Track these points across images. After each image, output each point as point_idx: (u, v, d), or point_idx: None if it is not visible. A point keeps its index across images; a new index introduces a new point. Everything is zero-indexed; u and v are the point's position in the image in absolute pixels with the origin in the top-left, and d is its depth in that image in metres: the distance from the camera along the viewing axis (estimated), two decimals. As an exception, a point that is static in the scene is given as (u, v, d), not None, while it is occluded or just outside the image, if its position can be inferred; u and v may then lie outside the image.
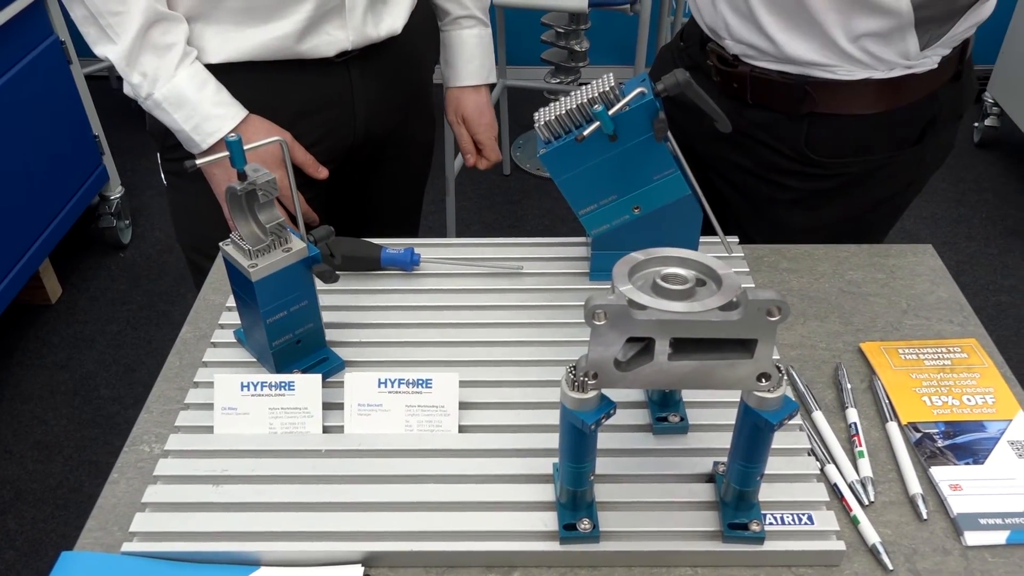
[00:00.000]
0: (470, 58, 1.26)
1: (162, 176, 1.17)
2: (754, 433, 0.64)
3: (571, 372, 0.62)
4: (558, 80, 2.64)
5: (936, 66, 1.01)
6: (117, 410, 1.95)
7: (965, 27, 1.00)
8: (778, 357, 0.85)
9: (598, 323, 0.59)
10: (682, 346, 0.61)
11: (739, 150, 1.11)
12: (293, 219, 1.00)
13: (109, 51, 0.98)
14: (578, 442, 0.65)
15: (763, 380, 0.62)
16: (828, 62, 0.99)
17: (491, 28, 1.29)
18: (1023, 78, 2.62)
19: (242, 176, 0.73)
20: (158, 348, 2.11)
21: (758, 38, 1.01)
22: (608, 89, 0.83)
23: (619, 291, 0.61)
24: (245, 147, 0.72)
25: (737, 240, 1.02)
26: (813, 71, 1.01)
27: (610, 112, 0.82)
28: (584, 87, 0.85)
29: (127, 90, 1.02)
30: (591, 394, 0.62)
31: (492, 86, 1.31)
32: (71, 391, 2.00)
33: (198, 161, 0.71)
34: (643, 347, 0.62)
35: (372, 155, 1.22)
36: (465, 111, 1.28)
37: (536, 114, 0.87)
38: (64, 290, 2.29)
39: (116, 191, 2.42)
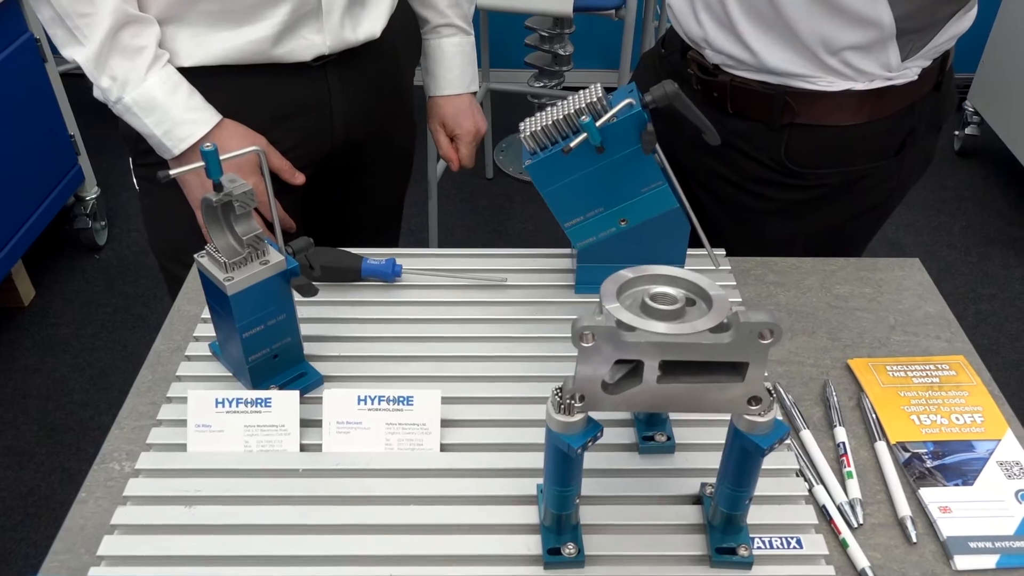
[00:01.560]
0: (449, 67, 1.24)
1: (134, 182, 1.14)
2: (744, 457, 0.62)
3: (557, 394, 0.60)
4: (542, 84, 2.63)
5: (916, 78, 1.00)
6: (90, 415, 1.91)
7: (946, 38, 0.99)
8: (766, 374, 0.83)
9: (586, 345, 0.57)
10: (672, 368, 0.59)
11: (719, 159, 1.10)
12: (270, 226, 0.98)
13: (77, 53, 0.95)
14: (563, 465, 0.63)
15: (754, 403, 0.60)
16: (808, 73, 0.99)
17: (474, 36, 1.27)
18: (1003, 87, 2.63)
19: (218, 187, 0.71)
20: (133, 353, 2.08)
21: (738, 49, 1.00)
22: (595, 100, 0.81)
23: (607, 311, 0.60)
24: (221, 157, 0.69)
25: (724, 253, 1.01)
26: (793, 82, 1.00)
27: (597, 124, 0.80)
28: (571, 97, 0.83)
29: (96, 94, 0.99)
30: (578, 417, 0.60)
31: (474, 93, 1.29)
32: (43, 396, 1.96)
33: (172, 171, 0.68)
34: (631, 369, 0.60)
35: (350, 160, 1.19)
36: (445, 118, 1.27)
37: (522, 124, 0.85)
38: (37, 293, 2.25)
39: (92, 192, 2.38)
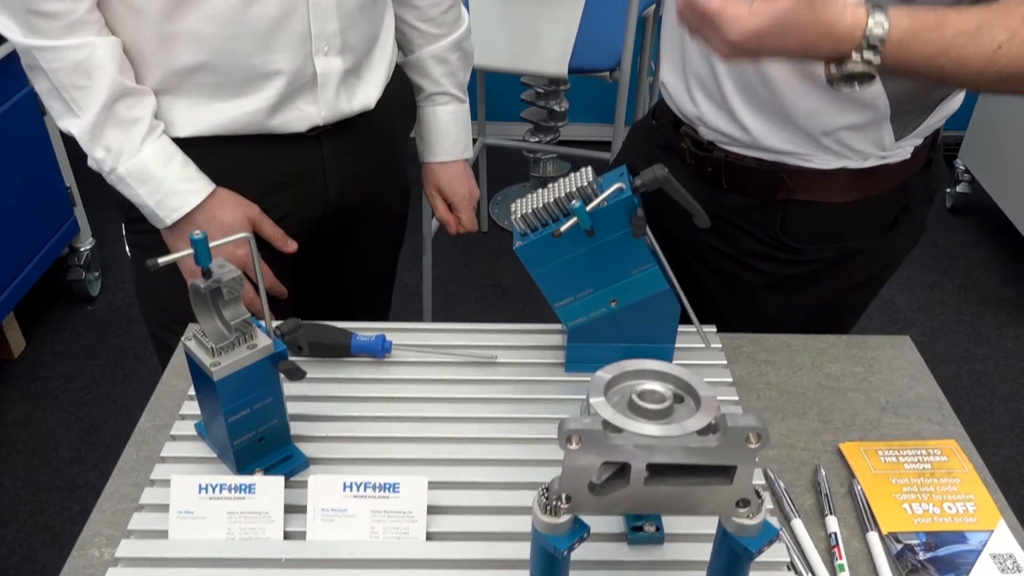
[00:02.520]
0: (445, 135, 1.25)
1: (126, 248, 1.14)
2: (732, 559, 0.61)
3: (543, 494, 0.60)
4: (537, 139, 2.65)
5: (909, 156, 1.01)
6: (77, 472, 1.89)
7: (938, 118, 1.01)
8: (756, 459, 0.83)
9: (572, 448, 0.57)
10: (659, 470, 0.59)
11: (713, 233, 1.11)
12: (256, 287, 0.97)
13: (73, 125, 0.96)
14: (550, 565, 0.62)
15: (742, 506, 0.59)
16: (803, 151, 0.99)
17: (468, 103, 1.28)
18: (993, 145, 2.66)
19: (207, 273, 0.71)
20: (123, 407, 2.06)
21: (732, 127, 1.01)
22: (586, 184, 0.82)
23: (594, 411, 0.59)
24: (211, 244, 0.69)
25: (715, 329, 1.00)
26: (788, 159, 1.01)
27: (588, 208, 0.80)
28: (562, 180, 0.84)
29: (91, 164, 0.99)
30: (564, 518, 0.59)
31: (467, 159, 1.30)
32: (29, 451, 1.94)
33: (160, 260, 0.68)
34: (618, 469, 0.59)
35: (344, 226, 1.20)
36: (440, 183, 1.28)
37: (513, 206, 0.85)
38: (28, 344, 2.23)
39: (86, 243, 2.38)
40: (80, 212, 2.35)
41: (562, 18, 2.06)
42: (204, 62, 0.97)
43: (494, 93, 2.70)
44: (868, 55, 0.79)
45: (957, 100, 1.01)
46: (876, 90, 0.93)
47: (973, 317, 2.45)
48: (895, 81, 0.93)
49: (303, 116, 1.05)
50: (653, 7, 2.44)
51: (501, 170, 2.94)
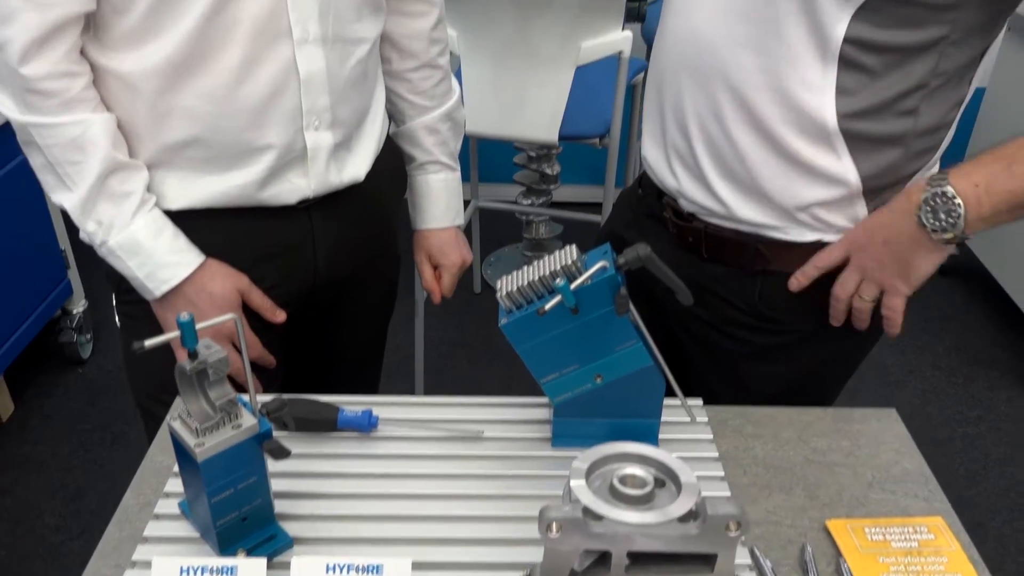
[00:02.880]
0: (436, 202, 1.27)
1: (116, 318, 1.15)
2: (716, 647, 0.61)
3: (525, 582, 0.59)
4: (530, 201, 2.68)
5: None
6: (61, 540, 1.86)
7: None
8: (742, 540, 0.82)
9: (552, 536, 0.57)
10: (641, 558, 0.59)
11: (696, 302, 1.11)
12: (237, 350, 0.97)
13: (65, 199, 0.97)
14: (532, 654, 0.61)
15: (724, 594, 0.59)
16: (779, 224, 1.01)
17: (459, 171, 1.30)
18: (980, 209, 2.69)
19: (193, 355, 0.71)
20: (110, 472, 2.04)
21: (710, 200, 1.03)
22: (570, 263, 0.83)
23: (575, 498, 0.59)
24: (198, 326, 0.70)
25: (701, 402, 1.01)
26: (765, 232, 1.02)
27: (572, 286, 0.81)
28: (547, 257, 0.85)
29: (83, 237, 1.00)
30: (545, 607, 0.59)
31: (459, 226, 1.31)
32: (13, 519, 1.91)
33: (147, 343, 0.69)
34: (600, 557, 0.59)
35: (334, 297, 1.21)
36: (431, 250, 1.29)
37: (499, 282, 0.86)
38: (16, 407, 2.22)
39: (79, 305, 2.38)
40: (74, 274, 2.36)
41: (552, 85, 2.10)
42: (196, 137, 0.99)
43: (487, 155, 2.74)
44: (935, 172, 0.86)
45: (932, 172, 1.03)
46: (847, 167, 0.95)
47: (965, 379, 2.45)
48: (866, 157, 0.95)
49: (293, 189, 1.06)
50: (642, 75, 2.50)
51: (494, 231, 2.96)
